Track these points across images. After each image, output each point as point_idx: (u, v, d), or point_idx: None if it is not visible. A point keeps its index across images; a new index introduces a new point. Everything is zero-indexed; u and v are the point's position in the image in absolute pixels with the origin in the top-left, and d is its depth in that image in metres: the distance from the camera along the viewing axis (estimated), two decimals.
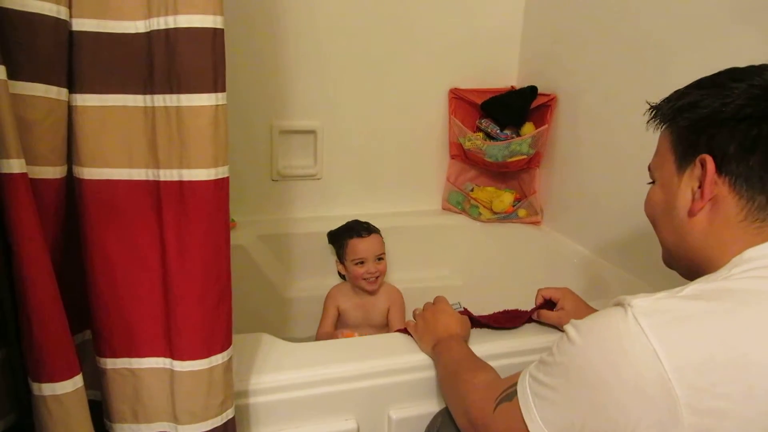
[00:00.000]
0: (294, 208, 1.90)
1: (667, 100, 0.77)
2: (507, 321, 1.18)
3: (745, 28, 1.14)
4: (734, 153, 0.67)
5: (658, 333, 0.58)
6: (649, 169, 0.82)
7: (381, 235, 1.65)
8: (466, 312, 1.16)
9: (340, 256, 1.66)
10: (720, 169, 0.68)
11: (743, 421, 0.56)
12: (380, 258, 1.62)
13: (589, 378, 0.62)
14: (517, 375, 0.75)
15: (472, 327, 1.13)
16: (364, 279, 1.59)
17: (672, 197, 0.75)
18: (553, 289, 1.18)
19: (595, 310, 1.13)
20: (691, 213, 0.71)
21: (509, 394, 0.73)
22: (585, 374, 0.62)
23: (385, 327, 1.66)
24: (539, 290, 1.20)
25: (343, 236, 1.64)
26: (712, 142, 0.69)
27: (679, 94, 0.75)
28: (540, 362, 0.70)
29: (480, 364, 0.94)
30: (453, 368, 0.95)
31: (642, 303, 0.61)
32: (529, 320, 1.20)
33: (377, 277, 1.60)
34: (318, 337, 1.62)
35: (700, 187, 0.70)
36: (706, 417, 0.56)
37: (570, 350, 0.65)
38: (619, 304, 0.63)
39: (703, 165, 0.69)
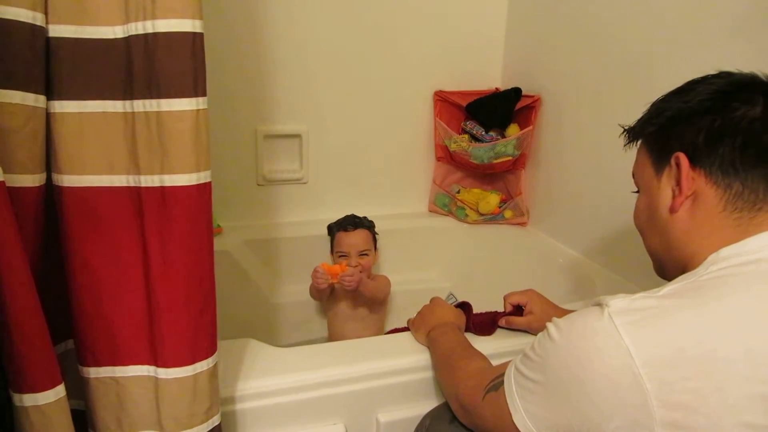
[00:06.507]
0: (280, 213, 1.89)
1: (638, 119, 0.81)
2: (485, 328, 1.18)
3: (721, 31, 1.16)
4: (703, 145, 0.70)
5: (630, 330, 0.60)
6: (633, 177, 0.84)
7: (372, 230, 1.68)
8: (462, 304, 1.18)
9: (331, 248, 1.69)
10: (693, 163, 0.71)
11: (713, 416, 0.56)
12: (364, 253, 1.63)
13: (564, 375, 0.64)
14: (507, 364, 0.77)
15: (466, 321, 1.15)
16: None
17: (654, 200, 0.77)
18: (519, 293, 1.18)
19: (562, 310, 1.15)
20: (673, 209, 0.73)
21: (496, 384, 0.76)
22: (561, 371, 0.65)
23: (381, 307, 1.68)
24: (505, 297, 1.20)
25: (334, 228, 1.69)
26: (681, 140, 0.72)
27: (646, 110, 0.80)
28: (524, 356, 0.73)
29: (473, 352, 0.98)
30: (447, 354, 0.99)
31: (619, 303, 0.63)
32: (498, 327, 1.19)
33: (360, 271, 1.58)
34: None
35: (678, 184, 0.72)
36: (676, 410, 0.57)
37: (548, 347, 0.67)
38: (598, 304, 0.65)
39: (678, 163, 0.72)
